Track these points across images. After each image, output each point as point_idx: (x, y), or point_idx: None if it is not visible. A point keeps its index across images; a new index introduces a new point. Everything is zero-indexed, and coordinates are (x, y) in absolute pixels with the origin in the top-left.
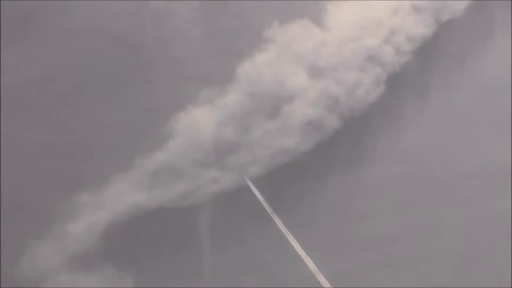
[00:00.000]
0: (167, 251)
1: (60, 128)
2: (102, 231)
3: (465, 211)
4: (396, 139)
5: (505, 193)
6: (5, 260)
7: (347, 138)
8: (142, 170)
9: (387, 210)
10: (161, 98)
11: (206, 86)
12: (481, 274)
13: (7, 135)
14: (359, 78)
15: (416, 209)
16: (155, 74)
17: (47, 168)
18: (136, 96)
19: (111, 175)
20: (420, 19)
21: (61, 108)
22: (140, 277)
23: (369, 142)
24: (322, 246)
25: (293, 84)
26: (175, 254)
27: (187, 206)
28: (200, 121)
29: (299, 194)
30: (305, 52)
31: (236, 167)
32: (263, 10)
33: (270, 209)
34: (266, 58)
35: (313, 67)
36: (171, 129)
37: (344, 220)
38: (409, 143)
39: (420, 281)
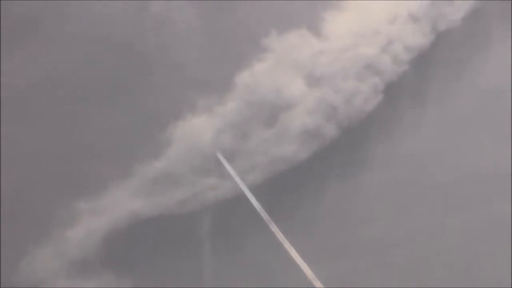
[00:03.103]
0: (165, 257)
1: (60, 134)
2: (101, 238)
3: (463, 216)
4: (394, 147)
5: (504, 198)
6: (4, 265)
7: (344, 146)
8: (141, 177)
9: (385, 216)
10: (161, 105)
11: (205, 94)
12: (481, 278)
13: (6, 140)
14: (357, 87)
15: (414, 215)
16: (155, 80)
17: (46, 174)
18: (136, 103)
19: (110, 181)
20: (418, 28)
21: (61, 114)
22: (139, 283)
23: (367, 150)
24: (319, 252)
25: (291, 92)
26: (173, 260)
27: (186, 213)
28: (199, 128)
29: (297, 201)
30: (303, 60)
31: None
32: (261, 19)
33: (266, 216)
34: (265, 67)
35: (311, 76)
36: (170, 136)
37: (342, 226)
38: (407, 151)
39: (419, 285)
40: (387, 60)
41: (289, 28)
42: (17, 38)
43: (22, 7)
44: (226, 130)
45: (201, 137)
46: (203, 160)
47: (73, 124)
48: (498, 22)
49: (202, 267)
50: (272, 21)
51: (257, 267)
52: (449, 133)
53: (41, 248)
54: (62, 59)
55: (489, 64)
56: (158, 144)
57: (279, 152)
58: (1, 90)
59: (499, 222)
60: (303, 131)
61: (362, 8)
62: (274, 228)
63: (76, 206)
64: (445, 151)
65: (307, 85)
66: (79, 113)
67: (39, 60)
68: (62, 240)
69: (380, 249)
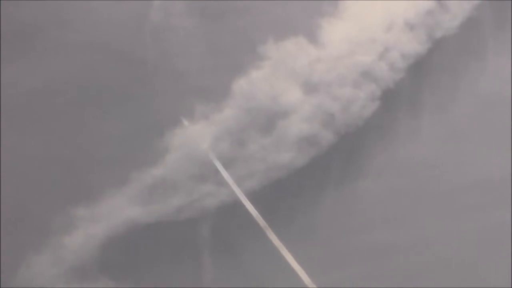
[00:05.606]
0: (163, 264)
1: (58, 142)
2: (98, 244)
3: (462, 224)
4: (391, 154)
5: (502, 205)
6: (3, 270)
7: (342, 153)
8: (139, 184)
9: (382, 223)
10: (158, 112)
11: (202, 101)
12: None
13: (5, 146)
14: (354, 94)
15: (411, 222)
16: (152, 88)
17: (44, 181)
18: (134, 110)
19: (108, 188)
20: (414, 36)
21: (59, 122)
22: None
23: (364, 157)
24: (317, 259)
25: (288, 99)
26: (170, 267)
27: (183, 220)
28: (196, 135)
29: (294, 208)
30: (300, 68)
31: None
32: (258, 27)
33: (263, 223)
34: (262, 74)
35: (308, 83)
36: (167, 143)
37: (339, 233)
38: (404, 158)
39: None
40: (384, 68)
41: (286, 36)
42: (17, 45)
43: (22, 15)
44: (224, 137)
45: (199, 144)
46: (201, 167)
47: (71, 131)
48: (495, 30)
49: (200, 273)
50: (269, 28)
51: (254, 274)
52: (447, 140)
53: (39, 254)
54: (61, 66)
55: (486, 71)
56: (155, 151)
57: (276, 159)
58: (1, 97)
59: (498, 230)
60: (300, 138)
61: (358, 16)
62: (271, 235)
63: (74, 212)
64: (442, 158)
65: (304, 93)
66: (77, 119)
67: (38, 67)
68: (60, 246)
69: (378, 256)
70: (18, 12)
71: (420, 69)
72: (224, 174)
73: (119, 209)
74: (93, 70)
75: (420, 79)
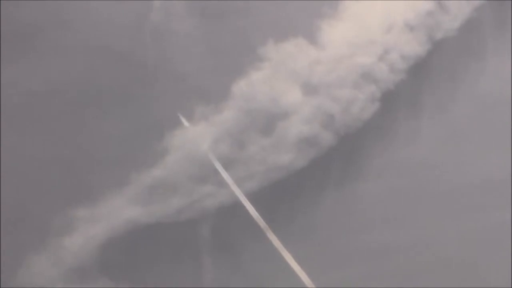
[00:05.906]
0: (163, 264)
1: (58, 143)
2: (98, 245)
3: (462, 224)
4: (391, 154)
5: (502, 205)
6: (3, 271)
7: (342, 154)
8: (139, 184)
9: (382, 224)
10: (158, 113)
11: (202, 103)
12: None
13: (5, 148)
14: (354, 95)
15: (411, 222)
16: (152, 89)
17: (44, 181)
18: (134, 111)
19: (108, 189)
20: (414, 37)
21: (59, 123)
22: None
23: (364, 158)
24: (317, 260)
25: (288, 101)
26: (170, 267)
27: (183, 220)
28: (196, 137)
29: (294, 209)
30: (300, 69)
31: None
32: (258, 28)
33: (263, 224)
34: (262, 76)
35: (308, 84)
36: (167, 144)
37: (339, 233)
38: (404, 158)
39: None
40: (383, 69)
41: (285, 37)
42: (17, 45)
43: (22, 15)
44: (224, 138)
45: (199, 145)
46: (201, 168)
47: (71, 131)
48: (495, 31)
49: (200, 273)
50: (269, 29)
51: (254, 274)
52: (447, 140)
53: (39, 254)
54: (61, 66)
55: (486, 72)
56: (155, 152)
57: (276, 160)
58: (1, 98)
59: (498, 230)
60: (300, 140)
61: (358, 17)
62: (271, 235)
63: (74, 213)
64: (442, 158)
65: (304, 94)
66: (77, 120)
67: (38, 67)
68: (60, 247)
69: (378, 256)
70: (18, 12)
71: (420, 70)
72: (224, 175)
73: (119, 210)
74: (93, 70)
75: (420, 80)
